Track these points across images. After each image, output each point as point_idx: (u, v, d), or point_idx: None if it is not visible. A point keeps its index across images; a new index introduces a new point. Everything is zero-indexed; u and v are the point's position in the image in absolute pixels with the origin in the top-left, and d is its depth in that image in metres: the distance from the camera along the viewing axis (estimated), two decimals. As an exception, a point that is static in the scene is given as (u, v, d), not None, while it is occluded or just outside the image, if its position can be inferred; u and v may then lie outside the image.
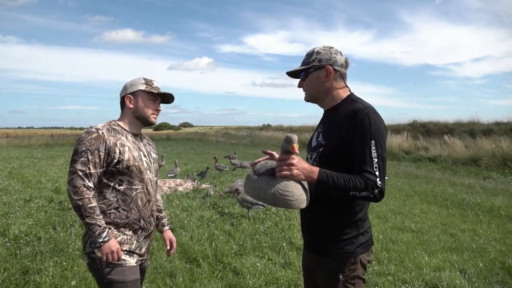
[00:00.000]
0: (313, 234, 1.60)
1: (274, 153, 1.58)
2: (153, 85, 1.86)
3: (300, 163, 1.38)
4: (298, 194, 1.36)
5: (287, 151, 1.37)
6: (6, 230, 4.42)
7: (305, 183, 1.42)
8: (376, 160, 1.39)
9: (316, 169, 1.40)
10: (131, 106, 1.84)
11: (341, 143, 1.45)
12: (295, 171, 1.36)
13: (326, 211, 1.52)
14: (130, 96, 1.84)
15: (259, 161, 1.59)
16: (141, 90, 1.83)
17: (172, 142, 28.51)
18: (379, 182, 1.38)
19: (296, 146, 1.35)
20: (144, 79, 1.86)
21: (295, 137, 1.36)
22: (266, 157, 1.60)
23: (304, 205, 1.38)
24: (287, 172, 1.36)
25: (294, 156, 1.38)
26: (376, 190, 1.37)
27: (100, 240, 1.65)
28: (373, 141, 1.40)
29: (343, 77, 1.59)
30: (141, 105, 1.84)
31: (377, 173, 1.38)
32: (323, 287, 1.56)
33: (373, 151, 1.39)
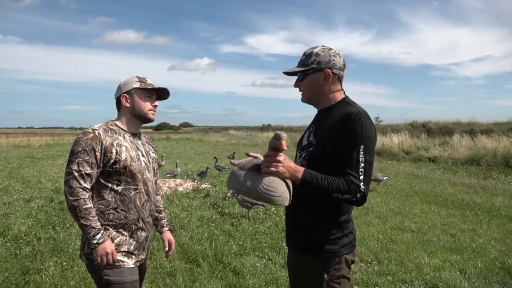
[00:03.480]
0: (298, 234, 1.61)
1: (259, 155, 1.58)
2: (147, 82, 1.85)
3: (286, 161, 1.40)
4: (282, 191, 1.38)
5: (275, 148, 1.39)
6: (6, 230, 4.42)
7: (289, 183, 1.44)
8: (362, 164, 1.41)
9: (301, 169, 1.42)
10: (128, 105, 1.83)
11: (331, 145, 1.46)
12: (281, 168, 1.38)
13: (311, 211, 1.53)
14: (126, 95, 1.83)
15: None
16: (135, 87, 1.82)
17: (172, 142, 28.49)
18: (362, 187, 1.40)
19: (284, 143, 1.37)
20: (137, 77, 1.85)
21: (284, 134, 1.39)
22: (250, 159, 1.60)
23: (286, 202, 1.40)
24: (273, 169, 1.38)
25: (281, 153, 1.40)
26: (358, 194, 1.39)
27: (95, 242, 1.64)
28: (362, 146, 1.41)
29: (340, 80, 1.59)
30: (138, 102, 1.83)
31: (361, 177, 1.40)
32: (308, 286, 1.57)
33: (361, 156, 1.41)
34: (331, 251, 1.51)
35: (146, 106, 1.84)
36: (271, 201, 1.37)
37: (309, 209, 1.53)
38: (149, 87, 1.84)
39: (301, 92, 1.65)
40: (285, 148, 1.37)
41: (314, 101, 1.64)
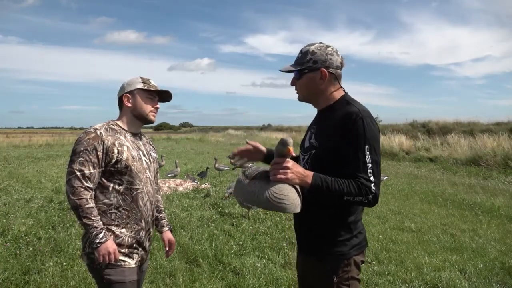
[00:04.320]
0: (306, 237, 1.59)
1: (258, 144, 1.70)
2: (150, 83, 1.86)
3: (295, 167, 1.36)
4: (293, 198, 1.33)
5: (282, 154, 1.35)
6: (6, 230, 4.42)
7: (298, 188, 1.39)
8: (370, 165, 1.37)
9: (310, 173, 1.37)
10: (130, 105, 1.84)
11: (333, 147, 1.43)
12: (290, 175, 1.33)
13: (319, 213, 1.50)
14: (128, 95, 1.84)
15: (241, 150, 1.73)
16: (139, 88, 1.83)
17: (172, 142, 28.49)
18: (373, 188, 1.36)
19: (292, 148, 1.32)
20: (141, 78, 1.86)
21: (290, 140, 1.34)
22: (249, 147, 1.73)
23: (298, 209, 1.35)
24: (282, 176, 1.33)
25: (289, 159, 1.36)
26: (370, 196, 1.36)
27: (97, 241, 1.64)
28: (367, 146, 1.38)
29: (338, 79, 1.55)
30: (140, 103, 1.84)
31: (371, 178, 1.37)
32: None
33: (367, 156, 1.37)
34: (340, 253, 1.48)
35: (148, 107, 1.85)
36: (283, 209, 1.32)
37: (316, 211, 1.50)
38: (152, 88, 1.85)
39: (297, 91, 1.62)
40: (293, 154, 1.33)
41: (311, 100, 1.62)
